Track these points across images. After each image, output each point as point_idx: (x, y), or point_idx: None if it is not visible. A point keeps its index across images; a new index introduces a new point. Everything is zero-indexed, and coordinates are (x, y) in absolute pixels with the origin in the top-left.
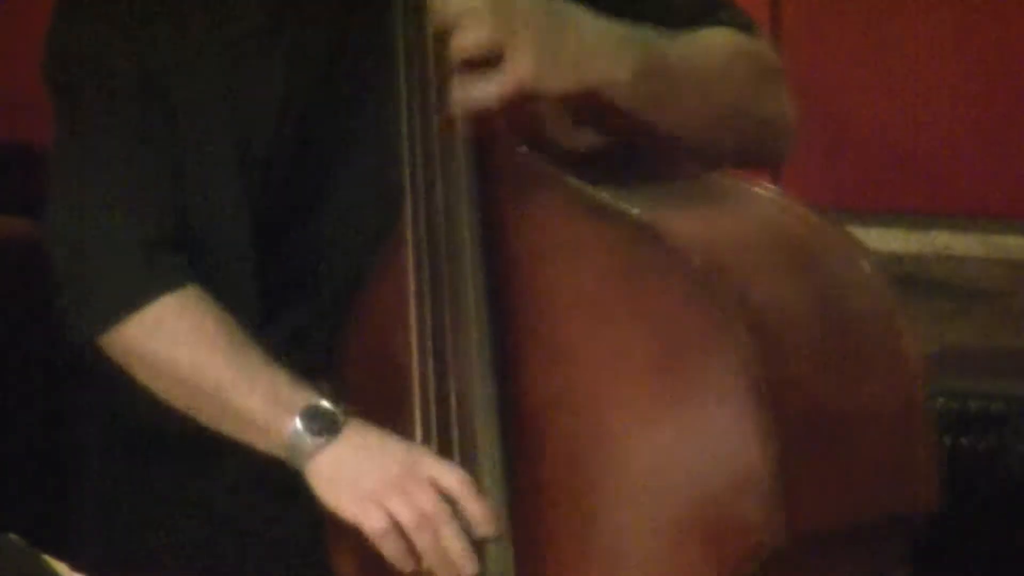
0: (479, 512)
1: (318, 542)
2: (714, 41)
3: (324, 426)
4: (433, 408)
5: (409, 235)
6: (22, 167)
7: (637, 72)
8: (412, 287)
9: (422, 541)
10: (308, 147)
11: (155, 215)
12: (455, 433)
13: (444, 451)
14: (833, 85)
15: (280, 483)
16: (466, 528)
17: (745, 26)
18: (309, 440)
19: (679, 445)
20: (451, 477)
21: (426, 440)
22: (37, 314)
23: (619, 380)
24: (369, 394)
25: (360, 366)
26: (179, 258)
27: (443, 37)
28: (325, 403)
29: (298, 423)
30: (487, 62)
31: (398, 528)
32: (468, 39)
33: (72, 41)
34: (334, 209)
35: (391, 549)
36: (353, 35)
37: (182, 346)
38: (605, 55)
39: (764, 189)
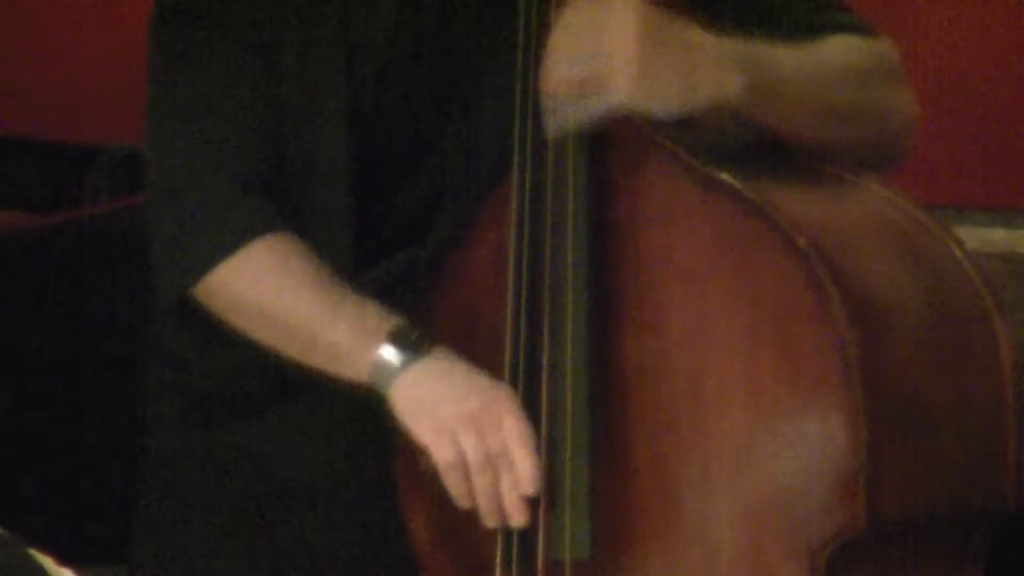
0: (527, 468)
1: (379, 502)
2: (830, 48)
3: (411, 346)
4: (523, 370)
5: (514, 195)
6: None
7: (747, 87)
8: (512, 247)
9: (481, 482)
10: (415, 100)
11: (249, 160)
12: (544, 395)
13: (531, 413)
14: None
15: (340, 444)
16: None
17: (863, 28)
18: (396, 359)
19: (767, 422)
20: (518, 426)
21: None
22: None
23: (712, 351)
24: (458, 345)
25: (449, 323)
26: (269, 204)
27: None
28: (412, 325)
29: (385, 344)
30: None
31: (465, 464)
32: (559, 76)
33: None
34: (437, 165)
35: (454, 484)
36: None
37: (270, 287)
38: (712, 74)
39: (874, 182)
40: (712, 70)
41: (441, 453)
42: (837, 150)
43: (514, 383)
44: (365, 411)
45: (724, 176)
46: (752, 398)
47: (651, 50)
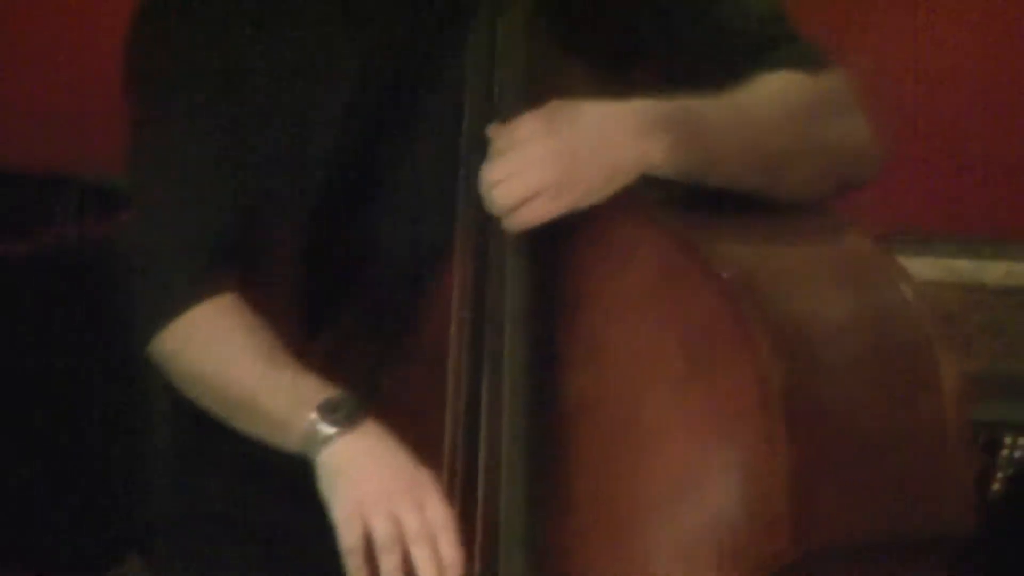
0: (451, 557)
1: None
2: (766, 89)
3: (340, 418)
4: (464, 409)
5: (459, 237)
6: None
7: (672, 146)
8: (456, 289)
9: (387, 564)
10: (367, 156)
11: (214, 218)
12: (483, 432)
13: (471, 451)
14: None
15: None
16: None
17: (811, 60)
18: (324, 430)
19: (699, 455)
20: (442, 510)
21: (454, 440)
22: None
23: (646, 387)
24: (408, 395)
25: (406, 367)
26: (223, 266)
27: None
28: (346, 397)
29: (315, 414)
30: None
31: (368, 547)
32: (502, 200)
33: (154, 44)
34: (387, 220)
35: (352, 565)
36: (422, 58)
37: (211, 354)
38: (632, 146)
39: (816, 212)
40: (631, 141)
41: (346, 534)
42: (788, 191)
43: (455, 423)
44: None
45: (656, 211)
46: (684, 432)
47: (566, 162)
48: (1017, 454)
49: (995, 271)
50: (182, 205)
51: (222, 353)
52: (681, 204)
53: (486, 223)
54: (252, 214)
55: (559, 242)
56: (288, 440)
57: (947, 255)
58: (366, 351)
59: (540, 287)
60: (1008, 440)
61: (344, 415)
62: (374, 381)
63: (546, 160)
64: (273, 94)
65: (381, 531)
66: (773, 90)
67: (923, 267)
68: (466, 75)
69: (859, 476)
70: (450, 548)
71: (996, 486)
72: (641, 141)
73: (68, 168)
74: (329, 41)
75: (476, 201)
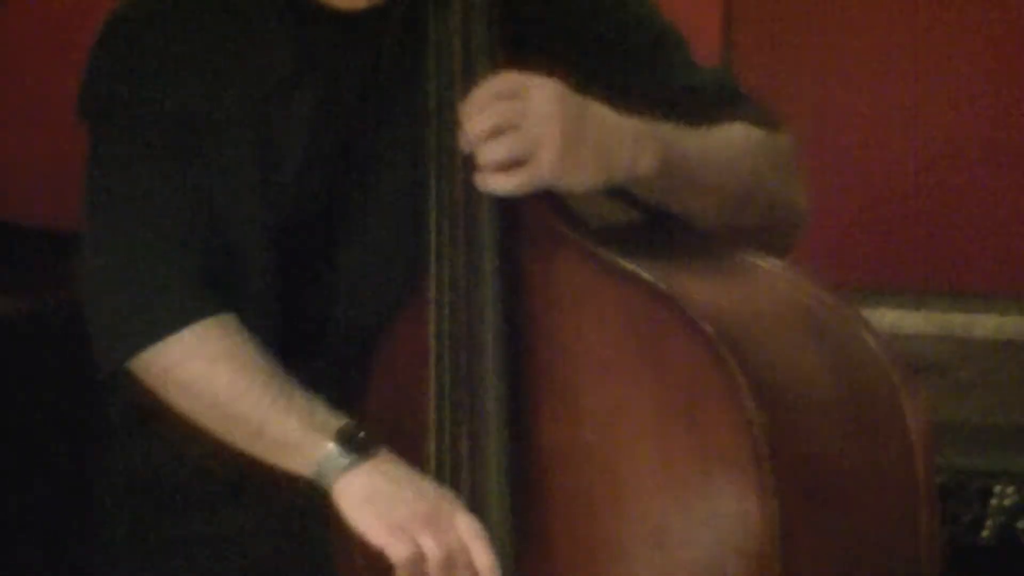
0: (487, 563)
1: None
2: (731, 135)
3: (357, 446)
4: (447, 455)
5: (432, 285)
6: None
7: (657, 165)
8: (432, 340)
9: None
10: (331, 193)
11: (188, 250)
12: (465, 480)
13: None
14: None
15: (287, 529)
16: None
17: (766, 121)
18: (342, 459)
19: (682, 503)
20: (470, 524)
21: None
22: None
23: (626, 435)
24: (386, 435)
25: (378, 408)
26: (210, 287)
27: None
28: (359, 425)
29: (332, 443)
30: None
31: (422, 562)
32: (495, 153)
33: (112, 80)
34: (355, 258)
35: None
36: (381, 90)
37: (222, 367)
38: (627, 152)
39: (774, 263)
40: (626, 149)
41: (398, 551)
42: (731, 233)
43: (438, 473)
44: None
45: (632, 266)
46: (666, 480)
47: (572, 133)
48: (1007, 502)
49: (986, 325)
50: (165, 228)
51: (231, 368)
52: (644, 252)
53: (457, 238)
54: (222, 244)
55: (535, 293)
56: (297, 464)
57: (940, 310)
58: (335, 380)
59: (516, 340)
60: (998, 489)
61: (361, 444)
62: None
63: (552, 119)
64: (232, 131)
65: (432, 551)
66: (737, 137)
67: (918, 321)
68: (430, 77)
69: (839, 520)
70: (486, 555)
71: (986, 533)
72: (635, 150)
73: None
74: (285, 82)
75: (451, 224)
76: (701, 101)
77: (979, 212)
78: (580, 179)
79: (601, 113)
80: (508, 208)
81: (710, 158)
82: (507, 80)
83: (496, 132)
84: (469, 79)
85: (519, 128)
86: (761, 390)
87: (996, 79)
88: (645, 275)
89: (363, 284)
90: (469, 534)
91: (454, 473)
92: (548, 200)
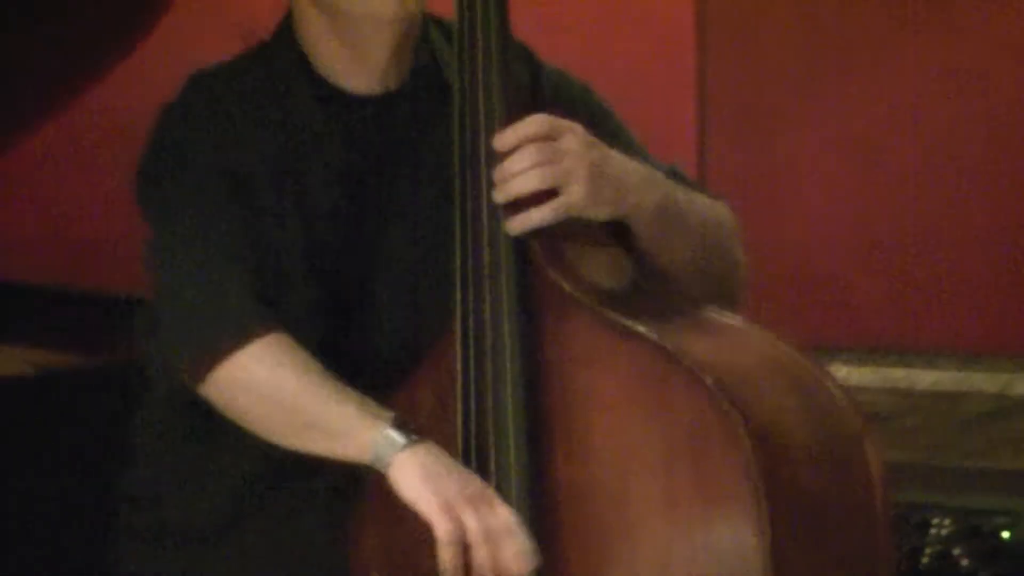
0: (526, 544)
1: None
2: (704, 201)
3: (411, 432)
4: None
5: (458, 341)
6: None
7: (657, 205)
8: (459, 389)
9: (481, 554)
10: (362, 237)
11: (250, 277)
12: None
13: None
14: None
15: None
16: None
17: (711, 194)
18: (399, 440)
19: (685, 534)
20: (509, 513)
21: None
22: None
23: (634, 474)
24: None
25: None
26: (268, 309)
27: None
28: (407, 418)
29: (389, 427)
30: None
31: (463, 539)
32: (532, 183)
33: (179, 142)
34: (387, 295)
35: (451, 557)
36: (400, 146)
37: (285, 370)
38: (636, 190)
39: (748, 323)
40: (636, 188)
41: (445, 526)
42: (700, 284)
43: None
44: (307, 541)
45: (636, 326)
46: (670, 514)
47: (596, 169)
48: (943, 532)
49: (925, 379)
50: (225, 257)
51: (295, 372)
52: (645, 312)
53: (482, 303)
54: (271, 276)
55: (551, 348)
56: (354, 450)
57: (886, 366)
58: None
59: (535, 389)
60: (935, 521)
61: (412, 430)
62: None
63: (582, 156)
64: (273, 182)
65: (475, 528)
66: (705, 199)
67: (865, 375)
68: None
69: (820, 547)
70: (523, 540)
71: (926, 560)
72: (642, 189)
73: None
74: (316, 140)
75: (475, 281)
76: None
77: (919, 281)
78: (601, 209)
79: (617, 156)
80: (526, 271)
81: (692, 208)
82: (541, 122)
83: (535, 166)
84: (493, 130)
85: (553, 163)
86: (756, 435)
87: (934, 164)
88: (649, 334)
89: (395, 317)
90: (507, 520)
91: None
92: (561, 266)
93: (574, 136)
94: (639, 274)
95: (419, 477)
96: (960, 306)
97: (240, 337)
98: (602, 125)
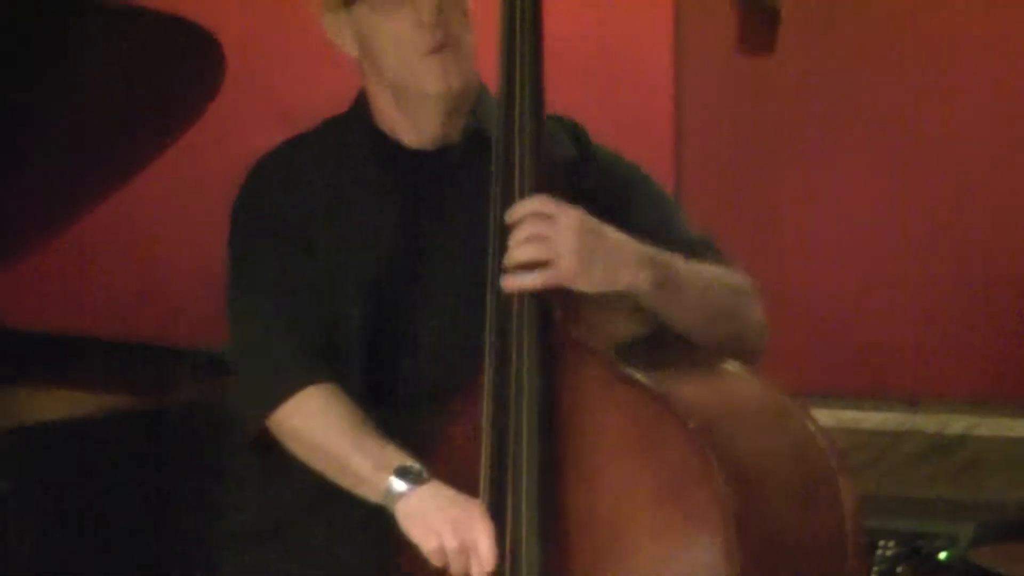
0: (487, 553)
1: None
2: (711, 269)
3: (411, 478)
4: (492, 516)
5: (487, 383)
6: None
7: (655, 282)
8: (485, 423)
9: (456, 564)
10: (410, 278)
11: (307, 331)
12: (508, 534)
13: (499, 547)
14: None
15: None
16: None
17: (726, 263)
18: (399, 488)
19: (669, 554)
20: (485, 525)
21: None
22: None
23: (630, 503)
24: (456, 463)
25: (441, 468)
26: (322, 362)
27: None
28: (415, 463)
29: (393, 476)
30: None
31: (443, 551)
32: (525, 254)
33: (253, 206)
34: (428, 333)
35: (436, 561)
36: (447, 202)
37: (318, 425)
38: (630, 268)
39: (741, 368)
40: (630, 266)
41: (427, 544)
42: (711, 343)
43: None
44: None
45: (638, 376)
46: (657, 537)
47: (587, 248)
48: (888, 553)
49: (872, 420)
50: (282, 319)
51: (328, 423)
52: (645, 363)
53: (506, 318)
54: (328, 319)
55: (565, 392)
56: (372, 494)
57: (839, 408)
58: (411, 429)
59: (549, 427)
60: (881, 543)
61: (413, 477)
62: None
63: (566, 235)
64: (336, 243)
65: (449, 543)
66: (716, 271)
67: (821, 416)
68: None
69: (788, 572)
70: (488, 549)
71: None
72: (638, 269)
73: (187, 341)
74: (374, 198)
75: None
76: (691, 247)
77: (866, 335)
78: (590, 284)
79: (614, 236)
80: (547, 324)
81: (695, 280)
82: (542, 202)
83: (530, 240)
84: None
85: (546, 239)
86: (731, 473)
87: (883, 227)
88: (647, 382)
89: (435, 353)
90: (481, 533)
91: (497, 527)
92: (576, 320)
93: (569, 217)
94: (658, 324)
95: (410, 515)
96: (903, 358)
97: (286, 391)
98: (640, 199)
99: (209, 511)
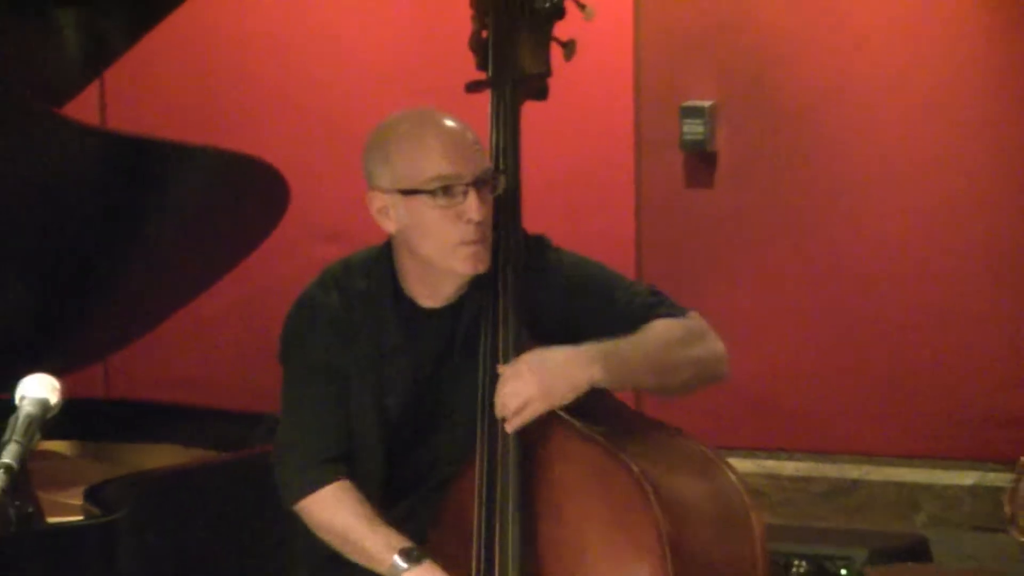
0: None
1: None
2: (655, 331)
3: (411, 559)
4: (483, 554)
5: (477, 463)
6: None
7: (606, 369)
8: (478, 483)
9: None
10: (423, 412)
11: (331, 443)
12: (496, 567)
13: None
14: None
15: None
16: None
17: (678, 310)
18: (401, 566)
19: (620, 573)
20: None
21: (478, 566)
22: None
23: (588, 537)
24: (447, 549)
25: (441, 536)
26: (342, 465)
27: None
28: (415, 547)
29: (396, 556)
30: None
31: None
32: (502, 410)
33: (295, 338)
34: (435, 448)
35: None
36: (454, 352)
37: (336, 517)
38: (582, 371)
39: (678, 433)
40: (582, 369)
41: None
42: (674, 386)
43: (478, 562)
44: None
45: (596, 435)
46: (612, 563)
47: (545, 379)
48: (800, 571)
49: (788, 468)
50: (314, 428)
51: (345, 515)
52: (602, 424)
53: (494, 438)
54: (352, 439)
55: (539, 449)
56: (379, 568)
57: (762, 458)
58: (420, 515)
59: (526, 477)
60: (795, 563)
61: (414, 557)
62: (425, 534)
63: (530, 383)
64: (360, 375)
65: None
66: (659, 331)
67: (745, 464)
68: (482, 353)
69: None
70: None
71: None
72: (588, 367)
73: (261, 408)
74: (394, 349)
75: (489, 426)
76: (642, 312)
77: (785, 400)
78: (561, 399)
79: (562, 355)
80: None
81: (643, 351)
82: (512, 367)
83: (504, 397)
84: (502, 357)
85: (515, 394)
86: (665, 505)
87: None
88: (602, 439)
89: (440, 462)
90: None
91: (487, 562)
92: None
93: (528, 368)
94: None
95: None
96: (812, 419)
97: (307, 489)
98: (592, 298)
99: (279, 540)
